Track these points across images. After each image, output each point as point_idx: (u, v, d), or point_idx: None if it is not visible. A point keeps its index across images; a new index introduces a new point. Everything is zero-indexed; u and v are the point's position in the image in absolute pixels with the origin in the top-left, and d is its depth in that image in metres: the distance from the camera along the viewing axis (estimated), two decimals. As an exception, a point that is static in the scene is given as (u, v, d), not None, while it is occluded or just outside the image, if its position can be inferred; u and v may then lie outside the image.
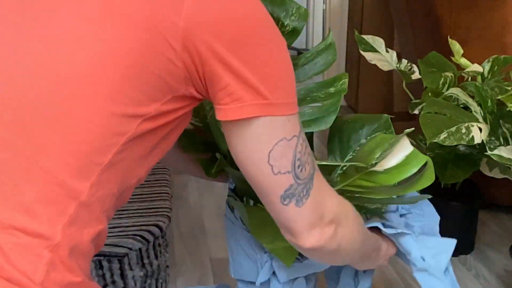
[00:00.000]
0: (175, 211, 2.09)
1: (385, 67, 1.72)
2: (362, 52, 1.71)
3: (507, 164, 1.42)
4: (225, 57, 0.66)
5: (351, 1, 3.02)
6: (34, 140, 0.61)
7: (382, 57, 1.71)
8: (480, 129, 1.43)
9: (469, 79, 1.67)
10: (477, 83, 1.58)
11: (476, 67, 1.61)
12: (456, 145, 1.58)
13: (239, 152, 0.73)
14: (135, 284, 1.49)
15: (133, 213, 1.55)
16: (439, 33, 1.91)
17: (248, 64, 0.67)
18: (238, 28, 0.67)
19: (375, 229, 0.99)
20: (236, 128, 0.71)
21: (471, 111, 1.52)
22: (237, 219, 1.10)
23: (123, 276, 1.46)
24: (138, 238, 1.45)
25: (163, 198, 1.65)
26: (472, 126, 1.43)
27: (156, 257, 1.52)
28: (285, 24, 1.17)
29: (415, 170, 0.93)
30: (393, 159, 0.94)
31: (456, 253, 1.83)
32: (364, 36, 1.73)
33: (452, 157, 1.71)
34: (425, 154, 1.74)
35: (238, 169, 1.12)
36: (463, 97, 1.54)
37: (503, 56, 1.67)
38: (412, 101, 1.72)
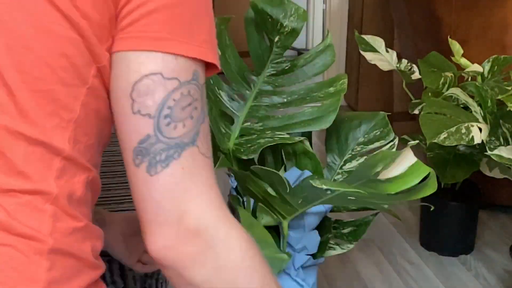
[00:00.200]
0: (175, 211, 2.08)
1: (385, 67, 1.72)
2: (362, 52, 1.72)
3: (507, 164, 1.42)
4: None
5: (351, 1, 3.02)
6: (7, 110, 0.62)
7: (382, 57, 1.71)
8: (480, 129, 1.44)
9: (469, 79, 1.67)
10: (477, 83, 1.58)
11: (476, 67, 1.61)
12: (456, 145, 1.58)
13: (110, 84, 0.64)
14: (135, 284, 1.49)
15: (133, 213, 1.55)
16: (439, 33, 1.91)
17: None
18: None
19: None
20: (115, 59, 0.64)
21: (471, 111, 1.52)
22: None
23: (123, 276, 1.46)
24: (138, 238, 1.45)
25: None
26: (472, 126, 1.43)
27: (156, 257, 1.52)
28: (284, 25, 1.17)
29: (417, 181, 0.92)
30: (396, 169, 0.94)
31: (456, 253, 1.83)
32: (364, 36, 1.73)
33: (452, 157, 1.71)
34: (425, 154, 1.74)
35: (240, 168, 1.12)
36: (463, 97, 1.54)
37: (503, 56, 1.67)
38: (412, 101, 1.72)
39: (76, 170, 0.66)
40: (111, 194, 1.68)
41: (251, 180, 1.01)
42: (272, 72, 1.22)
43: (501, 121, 1.54)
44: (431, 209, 1.23)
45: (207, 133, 0.66)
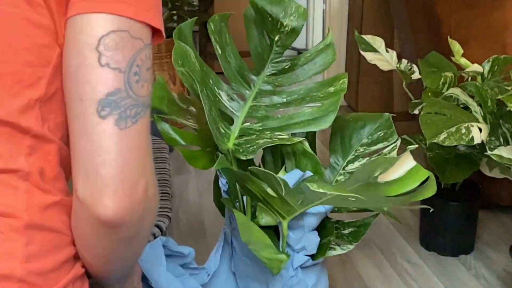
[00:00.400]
0: (175, 211, 2.09)
1: (385, 67, 1.72)
2: (362, 52, 1.71)
3: (507, 164, 1.42)
4: None
5: (351, 1, 3.02)
6: None
7: (382, 57, 1.71)
8: (480, 129, 1.43)
9: (469, 79, 1.67)
10: (477, 83, 1.57)
11: (476, 67, 1.61)
12: (456, 145, 1.58)
13: (68, 39, 0.63)
14: (135, 284, 1.48)
15: (133, 213, 1.54)
16: (439, 33, 1.91)
17: None
18: None
19: None
20: (74, 19, 0.63)
21: (471, 111, 1.52)
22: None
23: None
24: (138, 238, 1.44)
25: (163, 198, 1.65)
26: (472, 126, 1.43)
27: (156, 257, 1.52)
28: (284, 24, 1.17)
29: (416, 184, 0.92)
30: (395, 173, 0.94)
31: (456, 253, 1.83)
32: (364, 36, 1.73)
33: (452, 157, 1.71)
34: (425, 154, 1.74)
35: (239, 168, 1.12)
36: (463, 97, 1.54)
37: (503, 56, 1.67)
38: (412, 101, 1.72)
39: (47, 147, 0.67)
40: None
41: (250, 180, 1.01)
42: (272, 72, 1.21)
43: (501, 121, 1.53)
44: (431, 211, 1.23)
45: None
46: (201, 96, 1.01)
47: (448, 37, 1.68)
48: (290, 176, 1.09)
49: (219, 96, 1.15)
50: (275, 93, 1.20)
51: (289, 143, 1.11)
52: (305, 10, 1.17)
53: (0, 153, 0.63)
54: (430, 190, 0.90)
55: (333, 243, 1.18)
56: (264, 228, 1.11)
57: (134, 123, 0.61)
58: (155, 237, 1.50)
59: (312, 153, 1.13)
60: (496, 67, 1.66)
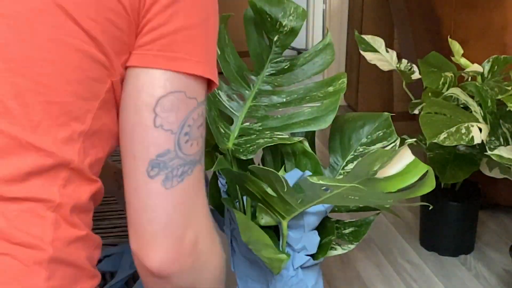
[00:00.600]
0: (175, 211, 2.08)
1: (385, 67, 1.72)
2: (362, 52, 1.71)
3: (507, 164, 1.42)
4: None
5: (351, 1, 3.02)
6: (19, 121, 0.62)
7: (382, 57, 1.71)
8: (480, 129, 1.43)
9: (469, 79, 1.67)
10: (477, 83, 1.57)
11: (476, 67, 1.61)
12: (456, 145, 1.58)
13: (128, 95, 0.65)
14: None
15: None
16: (439, 33, 1.91)
17: (172, 7, 0.64)
18: None
19: None
20: (136, 71, 0.65)
21: (471, 111, 1.52)
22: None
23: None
24: (138, 238, 1.45)
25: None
26: (472, 126, 1.43)
27: (156, 257, 1.52)
28: (283, 24, 1.17)
29: (415, 179, 0.92)
30: (393, 168, 0.94)
31: (456, 253, 1.83)
32: (364, 36, 1.73)
33: (452, 157, 1.71)
34: (425, 154, 1.74)
35: (239, 168, 1.12)
36: (463, 97, 1.54)
37: (503, 56, 1.67)
38: (412, 101, 1.72)
39: (82, 181, 0.66)
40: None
41: (250, 180, 1.01)
42: (272, 72, 1.22)
43: (501, 121, 1.53)
44: (430, 208, 1.23)
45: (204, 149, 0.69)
46: (200, 96, 1.01)
47: (448, 37, 1.68)
48: (290, 176, 1.09)
49: (218, 96, 1.15)
50: (274, 93, 1.20)
51: (289, 142, 1.11)
52: (304, 10, 1.17)
53: (35, 182, 0.62)
54: (429, 186, 0.90)
55: (334, 243, 1.18)
56: (264, 228, 1.11)
57: (180, 182, 0.64)
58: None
59: (312, 153, 1.13)
60: (496, 67, 1.66)
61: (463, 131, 1.41)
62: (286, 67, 1.22)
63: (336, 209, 1.17)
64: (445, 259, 1.81)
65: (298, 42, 3.55)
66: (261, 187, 1.01)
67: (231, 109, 1.16)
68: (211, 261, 0.70)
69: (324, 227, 1.13)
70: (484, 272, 1.75)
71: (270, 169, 0.95)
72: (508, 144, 1.50)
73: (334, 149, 1.21)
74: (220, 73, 1.20)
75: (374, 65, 1.72)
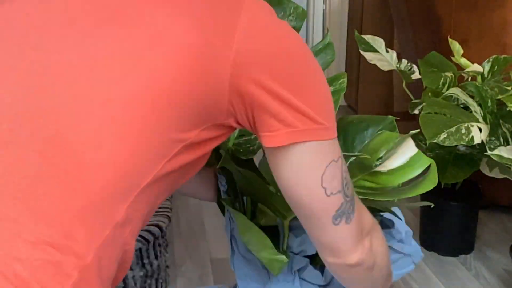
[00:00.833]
0: (175, 211, 2.09)
1: (385, 67, 1.72)
2: (362, 52, 1.71)
3: (507, 164, 1.42)
4: (274, 89, 0.69)
5: (351, 1, 3.02)
6: (76, 158, 0.61)
7: (382, 57, 1.71)
8: (480, 129, 1.43)
9: (469, 79, 1.67)
10: (477, 83, 1.58)
11: (476, 67, 1.61)
12: (456, 145, 1.58)
13: (289, 178, 0.75)
14: (135, 284, 1.49)
15: (133, 213, 1.54)
16: (439, 33, 1.91)
17: (297, 93, 0.70)
18: (286, 61, 0.70)
19: None
20: (285, 154, 0.73)
21: (471, 111, 1.52)
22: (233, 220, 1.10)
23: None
24: (138, 238, 1.45)
25: (163, 198, 1.65)
26: (472, 126, 1.43)
27: (156, 257, 1.52)
28: (284, 24, 1.17)
29: (418, 172, 0.93)
30: (397, 160, 0.94)
31: (456, 253, 1.83)
32: (364, 36, 1.73)
33: (452, 157, 1.71)
34: (425, 154, 1.74)
35: (240, 165, 1.12)
36: (463, 97, 1.54)
37: (503, 56, 1.67)
38: (412, 101, 1.72)
39: (119, 243, 0.64)
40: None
41: (251, 179, 1.01)
42: (272, 72, 1.21)
43: (501, 121, 1.53)
44: (432, 207, 1.23)
45: None
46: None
47: (448, 37, 1.68)
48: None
49: (218, 96, 1.15)
50: (274, 93, 1.20)
51: (288, 143, 1.11)
52: (304, 11, 1.17)
53: (76, 232, 0.60)
54: (432, 181, 0.90)
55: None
56: (264, 229, 1.11)
57: (353, 212, 0.78)
58: (155, 237, 1.50)
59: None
60: (496, 67, 1.66)
61: (463, 131, 1.41)
62: (286, 67, 1.21)
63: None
64: (445, 259, 1.82)
65: (298, 42, 3.54)
66: (262, 185, 1.01)
67: (231, 109, 1.16)
68: (377, 230, 0.88)
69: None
70: (484, 272, 1.75)
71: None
72: (508, 144, 1.50)
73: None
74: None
75: (374, 65, 1.72)
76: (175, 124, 0.66)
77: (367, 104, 2.89)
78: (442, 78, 1.62)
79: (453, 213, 1.79)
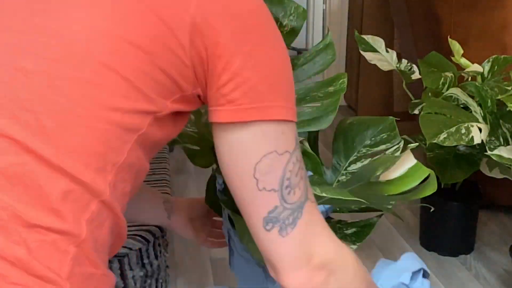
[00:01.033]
0: (175, 211, 2.08)
1: (385, 67, 1.72)
2: (362, 52, 1.71)
3: (507, 164, 1.42)
4: (226, 53, 0.65)
5: (351, 1, 3.02)
6: (53, 142, 0.61)
7: (382, 57, 1.71)
8: (480, 129, 1.43)
9: (469, 79, 1.67)
10: (477, 83, 1.57)
11: (476, 67, 1.61)
12: (456, 145, 1.58)
13: (226, 163, 0.69)
14: (135, 284, 1.48)
15: (133, 213, 1.54)
16: (439, 33, 1.91)
17: (249, 61, 0.66)
18: (242, 24, 0.66)
19: None
20: (226, 133, 0.68)
21: (471, 111, 1.52)
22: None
23: (123, 276, 1.45)
24: (138, 238, 1.45)
25: (163, 198, 1.65)
26: (472, 126, 1.43)
27: (156, 257, 1.52)
28: (284, 24, 1.17)
29: (417, 182, 0.92)
30: (396, 171, 0.94)
31: (456, 253, 1.83)
32: (364, 36, 1.73)
33: (452, 157, 1.71)
34: (425, 154, 1.74)
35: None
36: (463, 97, 1.54)
37: (503, 56, 1.67)
38: (412, 101, 1.72)
39: (107, 216, 0.65)
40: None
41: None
42: (272, 72, 1.21)
43: (501, 121, 1.53)
44: (431, 210, 1.23)
45: (308, 181, 0.73)
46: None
47: (448, 37, 1.68)
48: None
49: (219, 96, 1.15)
50: (275, 93, 1.20)
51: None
52: (305, 10, 1.17)
53: (65, 213, 0.61)
54: (431, 188, 0.90)
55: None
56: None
57: (294, 227, 0.69)
58: (155, 237, 1.50)
59: (312, 153, 1.13)
60: (496, 67, 1.66)
61: (463, 131, 1.41)
62: (286, 67, 1.21)
63: (338, 209, 1.17)
64: (445, 259, 1.82)
65: (298, 42, 3.55)
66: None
67: (231, 109, 1.16)
68: (346, 272, 0.75)
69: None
70: (484, 272, 1.75)
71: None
72: (508, 144, 1.50)
73: (338, 150, 1.20)
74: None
75: (374, 65, 1.72)
76: (143, 96, 0.64)
77: (367, 104, 2.89)
78: (442, 78, 1.62)
79: (453, 213, 1.79)
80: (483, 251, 1.85)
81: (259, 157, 0.66)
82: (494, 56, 1.67)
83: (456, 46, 1.64)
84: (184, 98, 0.69)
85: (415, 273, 1.08)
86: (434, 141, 1.38)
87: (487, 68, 1.66)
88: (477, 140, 1.41)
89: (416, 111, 1.66)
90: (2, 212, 0.59)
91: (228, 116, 0.66)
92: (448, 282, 1.71)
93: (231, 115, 0.66)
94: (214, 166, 1.13)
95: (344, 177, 1.18)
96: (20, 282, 0.58)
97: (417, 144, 1.02)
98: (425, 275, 1.08)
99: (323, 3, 3.23)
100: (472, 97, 1.56)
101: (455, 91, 1.55)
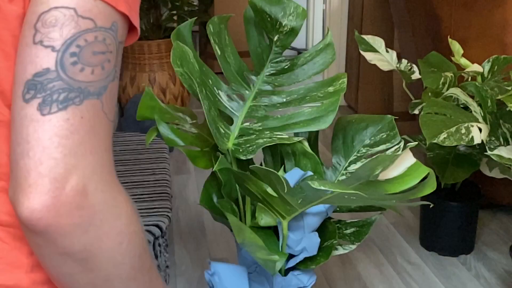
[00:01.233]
0: (175, 211, 2.09)
1: (385, 67, 1.72)
2: (362, 52, 1.71)
3: (507, 164, 1.42)
4: None
5: (351, 1, 3.02)
6: None
7: (382, 57, 1.71)
8: (480, 129, 1.43)
9: (469, 79, 1.67)
10: (477, 83, 1.57)
11: (476, 67, 1.61)
12: (456, 145, 1.58)
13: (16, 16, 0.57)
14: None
15: (133, 213, 1.54)
16: (439, 33, 1.91)
17: None
18: None
19: None
20: None
21: (471, 111, 1.52)
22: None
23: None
24: (138, 238, 1.45)
25: (163, 198, 1.65)
26: (472, 126, 1.43)
27: (156, 257, 1.52)
28: (283, 24, 1.17)
29: (416, 181, 0.92)
30: (395, 170, 0.94)
31: (456, 253, 1.83)
32: (364, 36, 1.73)
33: (452, 157, 1.71)
34: (425, 154, 1.74)
35: (239, 165, 1.12)
36: (463, 97, 1.54)
37: (503, 56, 1.67)
38: (412, 101, 1.72)
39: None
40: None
41: (250, 180, 1.01)
42: (272, 72, 1.21)
43: (501, 121, 1.53)
44: (431, 207, 1.23)
45: (114, 96, 0.57)
46: (200, 97, 1.01)
47: (448, 37, 1.68)
48: (290, 176, 1.09)
49: (218, 96, 1.15)
50: (274, 93, 1.20)
51: (288, 142, 1.11)
52: (304, 10, 1.17)
53: (2, 162, 0.59)
54: (430, 187, 0.90)
55: (335, 243, 1.18)
56: (264, 229, 1.11)
57: (62, 109, 0.52)
58: (155, 237, 1.50)
59: (312, 153, 1.13)
60: (496, 67, 1.66)
61: (463, 131, 1.41)
62: (286, 67, 1.21)
63: (338, 209, 1.17)
64: (445, 259, 1.82)
65: (298, 42, 3.55)
66: (262, 187, 1.01)
67: (231, 109, 1.16)
68: (110, 223, 0.56)
69: (325, 229, 1.13)
70: (484, 272, 1.75)
71: (271, 169, 0.95)
72: (508, 144, 1.50)
73: (337, 149, 1.21)
74: (220, 73, 1.21)
75: (374, 65, 1.72)
76: None
77: (367, 104, 2.90)
78: (442, 78, 1.62)
79: (453, 213, 1.79)
80: (483, 251, 1.85)
81: (47, 7, 0.54)
82: (494, 56, 1.67)
83: (456, 46, 1.64)
84: None
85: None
86: (434, 141, 1.38)
87: (487, 68, 1.66)
88: (477, 140, 1.41)
89: (416, 111, 1.66)
90: None
91: None
92: (448, 282, 1.71)
93: None
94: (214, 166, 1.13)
95: (344, 177, 1.18)
96: None
97: (416, 143, 1.02)
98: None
99: (323, 3, 3.23)
100: (472, 97, 1.56)
101: (455, 91, 1.55)
